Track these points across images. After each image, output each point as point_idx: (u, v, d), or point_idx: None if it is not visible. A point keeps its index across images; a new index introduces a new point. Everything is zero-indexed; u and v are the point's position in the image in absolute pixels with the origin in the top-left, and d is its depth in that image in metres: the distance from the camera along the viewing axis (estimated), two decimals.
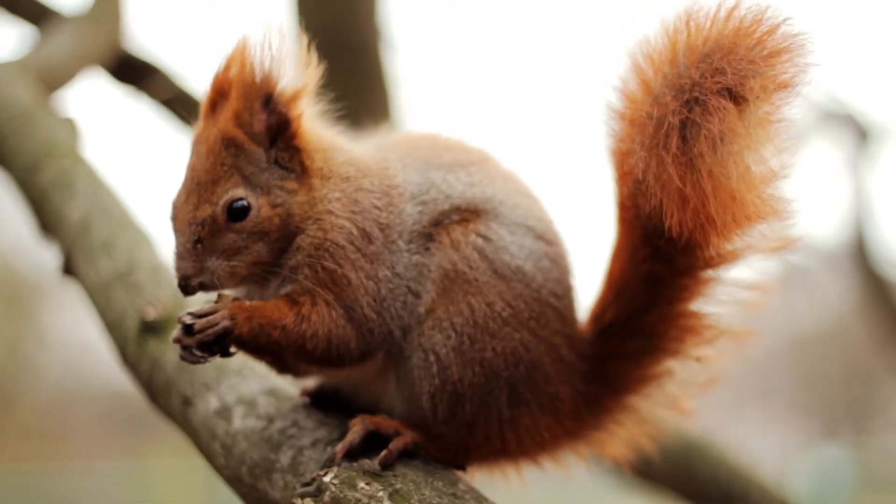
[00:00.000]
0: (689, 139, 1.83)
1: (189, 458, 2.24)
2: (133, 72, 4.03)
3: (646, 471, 3.89)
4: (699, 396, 2.24)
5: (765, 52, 1.83)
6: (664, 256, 2.08)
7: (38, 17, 3.91)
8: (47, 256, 2.90)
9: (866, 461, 11.36)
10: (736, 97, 1.83)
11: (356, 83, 4.46)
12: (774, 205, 1.89)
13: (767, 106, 1.85)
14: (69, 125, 3.05)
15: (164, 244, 2.57)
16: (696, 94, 1.84)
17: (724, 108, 1.82)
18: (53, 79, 3.34)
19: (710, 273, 2.12)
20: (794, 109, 1.86)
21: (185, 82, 4.15)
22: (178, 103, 4.00)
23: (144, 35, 4.07)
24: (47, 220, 2.80)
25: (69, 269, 2.67)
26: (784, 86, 1.84)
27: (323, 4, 4.66)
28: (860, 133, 8.66)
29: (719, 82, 1.82)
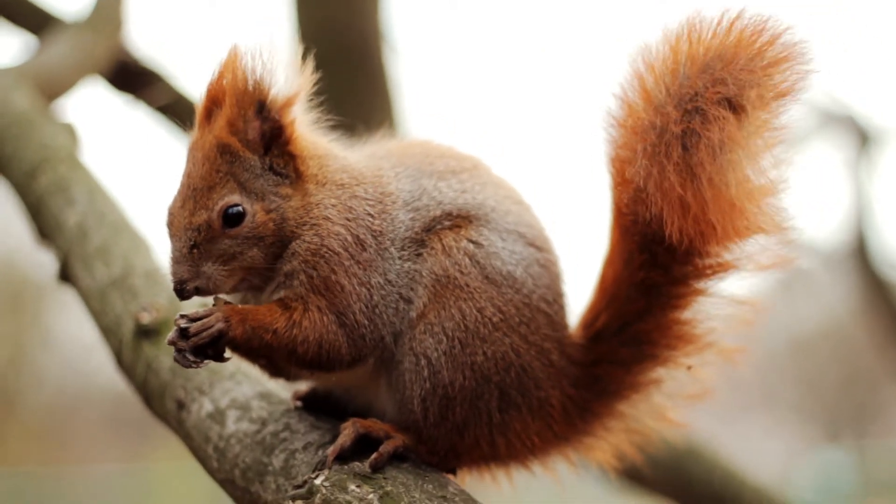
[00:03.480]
0: (690, 147, 1.88)
1: (192, 461, 2.25)
2: (132, 79, 4.02)
3: (638, 475, 3.88)
4: (697, 404, 2.25)
5: (763, 62, 1.87)
6: (661, 264, 2.10)
7: (39, 26, 3.92)
8: (50, 257, 2.90)
9: (868, 464, 11.37)
10: (735, 107, 1.87)
11: (357, 84, 4.46)
12: (774, 217, 1.94)
13: (765, 114, 1.88)
14: (68, 130, 3.05)
15: (161, 249, 2.58)
16: (697, 103, 1.88)
17: (724, 118, 1.86)
18: (53, 86, 3.34)
19: (705, 283, 2.14)
20: (793, 117, 1.90)
21: (184, 88, 4.16)
22: (178, 109, 4.00)
23: (144, 41, 4.08)
24: (44, 226, 2.80)
25: (65, 275, 2.67)
26: (782, 94, 1.88)
27: (322, 7, 4.66)
28: (861, 135, 8.68)
29: (719, 92, 1.87)
